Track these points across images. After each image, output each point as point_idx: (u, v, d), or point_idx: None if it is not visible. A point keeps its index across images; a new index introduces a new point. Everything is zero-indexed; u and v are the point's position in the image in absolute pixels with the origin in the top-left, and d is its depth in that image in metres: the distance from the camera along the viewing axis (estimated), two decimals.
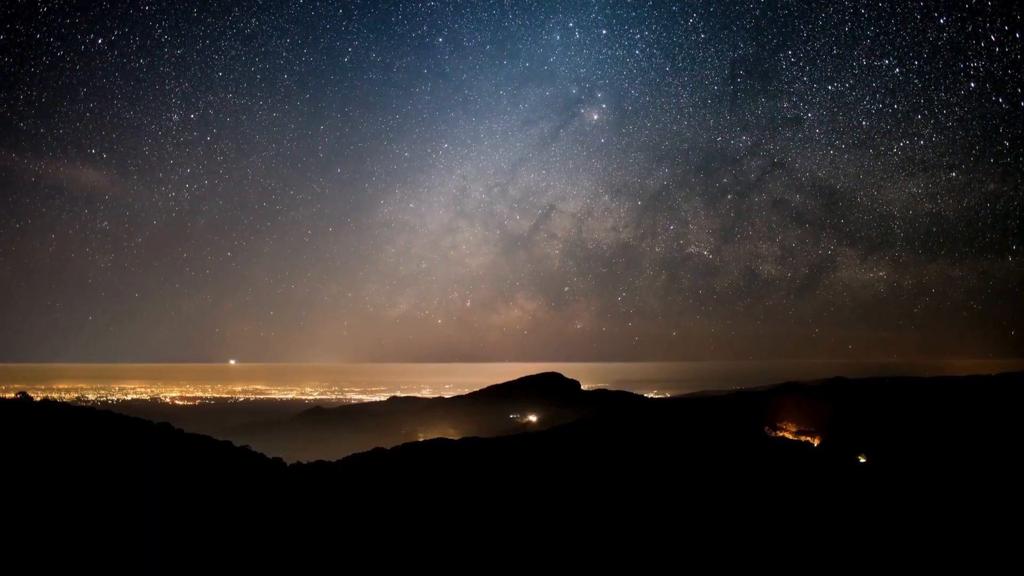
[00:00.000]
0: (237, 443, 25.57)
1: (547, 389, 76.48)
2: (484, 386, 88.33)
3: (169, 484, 19.05)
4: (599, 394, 75.61)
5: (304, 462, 26.72)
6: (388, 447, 31.65)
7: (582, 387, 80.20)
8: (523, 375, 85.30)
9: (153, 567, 14.82)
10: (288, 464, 25.31)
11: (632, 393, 75.29)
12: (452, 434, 43.35)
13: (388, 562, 18.19)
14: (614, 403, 66.32)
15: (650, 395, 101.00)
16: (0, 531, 14.47)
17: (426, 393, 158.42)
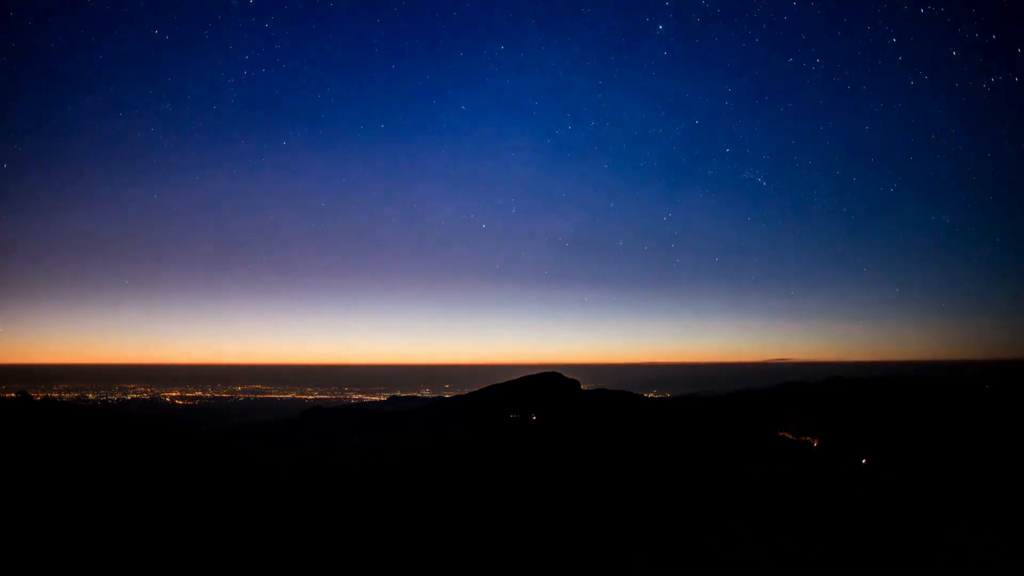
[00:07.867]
0: (236, 443, 25.63)
1: (547, 389, 76.27)
2: (484, 386, 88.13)
3: (169, 483, 19.06)
4: (599, 394, 75.34)
5: (304, 462, 26.73)
6: (387, 447, 31.65)
7: (582, 387, 79.98)
8: (523, 375, 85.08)
9: (153, 562, 14.82)
10: (288, 464, 25.33)
11: (632, 393, 74.98)
12: (452, 434, 43.27)
13: (388, 558, 18.17)
14: (614, 403, 66.13)
15: (650, 395, 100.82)
16: (2, 527, 14.48)
17: (426, 393, 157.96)
